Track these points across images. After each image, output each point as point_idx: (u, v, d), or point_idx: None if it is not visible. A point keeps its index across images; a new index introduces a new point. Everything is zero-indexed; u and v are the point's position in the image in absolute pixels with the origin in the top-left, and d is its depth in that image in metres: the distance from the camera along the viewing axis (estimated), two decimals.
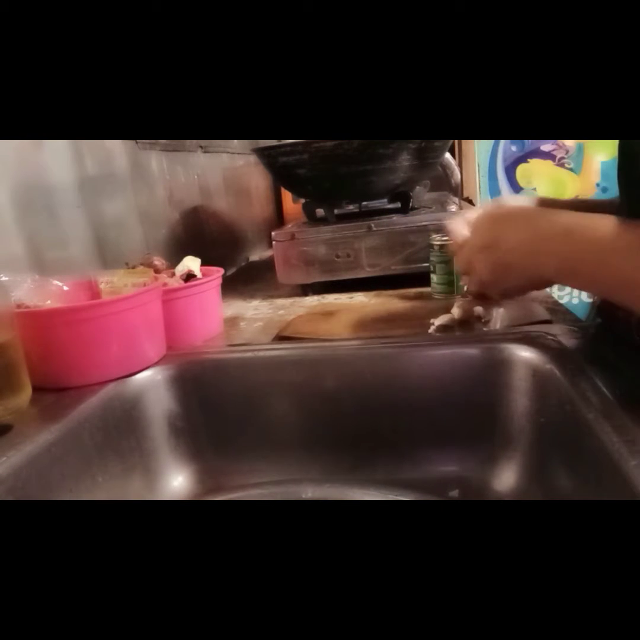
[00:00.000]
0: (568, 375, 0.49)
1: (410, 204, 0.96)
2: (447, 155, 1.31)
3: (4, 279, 0.54)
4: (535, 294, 0.71)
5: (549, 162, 2.14)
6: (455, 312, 0.66)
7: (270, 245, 1.03)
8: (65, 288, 0.61)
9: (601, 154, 2.04)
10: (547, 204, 0.64)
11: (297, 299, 0.91)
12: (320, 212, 1.02)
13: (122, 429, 0.57)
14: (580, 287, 0.52)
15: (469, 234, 0.54)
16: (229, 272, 1.26)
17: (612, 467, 0.36)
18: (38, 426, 0.49)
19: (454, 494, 0.57)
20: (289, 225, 1.07)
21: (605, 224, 0.42)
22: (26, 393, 0.52)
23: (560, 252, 0.45)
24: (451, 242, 0.58)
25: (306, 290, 0.94)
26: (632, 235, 0.40)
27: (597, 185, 2.08)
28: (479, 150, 2.15)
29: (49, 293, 0.59)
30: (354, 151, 0.84)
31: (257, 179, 1.63)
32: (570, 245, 0.44)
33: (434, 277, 0.79)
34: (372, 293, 0.88)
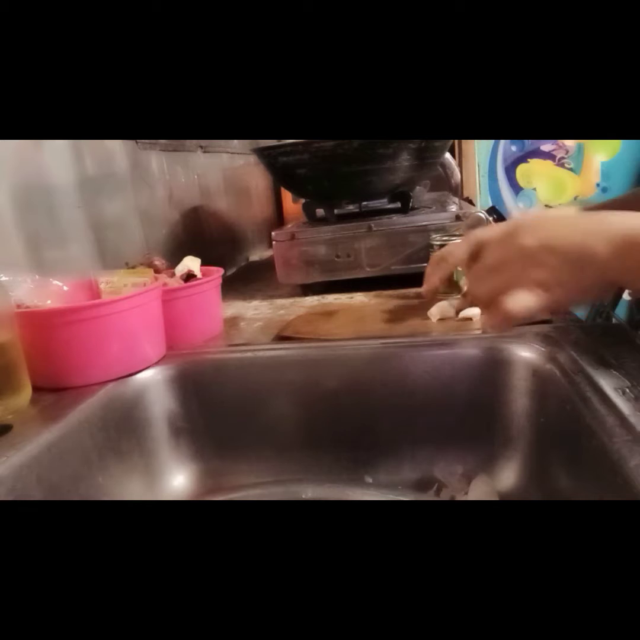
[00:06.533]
0: (568, 375, 0.49)
1: (410, 204, 0.96)
2: (447, 155, 1.31)
3: (4, 279, 0.54)
4: None
5: (549, 162, 2.14)
6: (447, 309, 0.67)
7: (270, 245, 1.03)
8: (65, 288, 0.61)
9: (601, 154, 2.04)
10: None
11: (297, 299, 0.91)
12: (320, 212, 1.02)
13: (122, 429, 0.57)
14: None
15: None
16: (229, 272, 1.26)
17: (612, 467, 0.36)
18: (38, 426, 0.49)
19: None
20: (289, 225, 1.07)
21: None
22: (26, 393, 0.52)
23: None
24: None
25: (306, 290, 0.94)
26: None
27: (597, 185, 2.08)
28: (479, 150, 2.16)
29: (49, 293, 0.59)
30: (354, 151, 0.84)
31: (257, 179, 1.63)
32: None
33: None
34: (372, 293, 0.88)
